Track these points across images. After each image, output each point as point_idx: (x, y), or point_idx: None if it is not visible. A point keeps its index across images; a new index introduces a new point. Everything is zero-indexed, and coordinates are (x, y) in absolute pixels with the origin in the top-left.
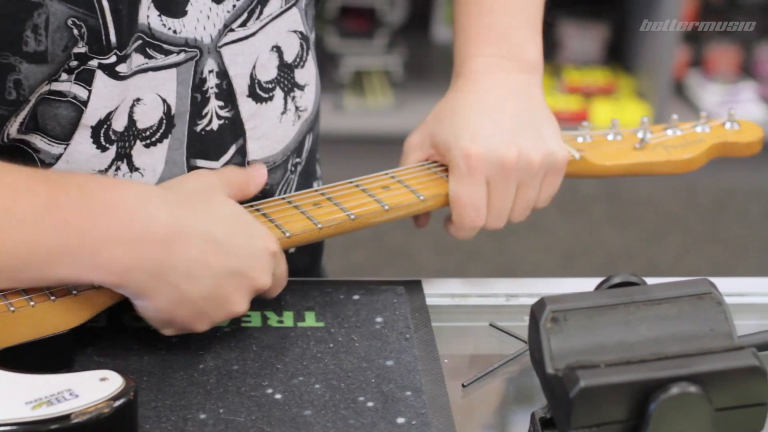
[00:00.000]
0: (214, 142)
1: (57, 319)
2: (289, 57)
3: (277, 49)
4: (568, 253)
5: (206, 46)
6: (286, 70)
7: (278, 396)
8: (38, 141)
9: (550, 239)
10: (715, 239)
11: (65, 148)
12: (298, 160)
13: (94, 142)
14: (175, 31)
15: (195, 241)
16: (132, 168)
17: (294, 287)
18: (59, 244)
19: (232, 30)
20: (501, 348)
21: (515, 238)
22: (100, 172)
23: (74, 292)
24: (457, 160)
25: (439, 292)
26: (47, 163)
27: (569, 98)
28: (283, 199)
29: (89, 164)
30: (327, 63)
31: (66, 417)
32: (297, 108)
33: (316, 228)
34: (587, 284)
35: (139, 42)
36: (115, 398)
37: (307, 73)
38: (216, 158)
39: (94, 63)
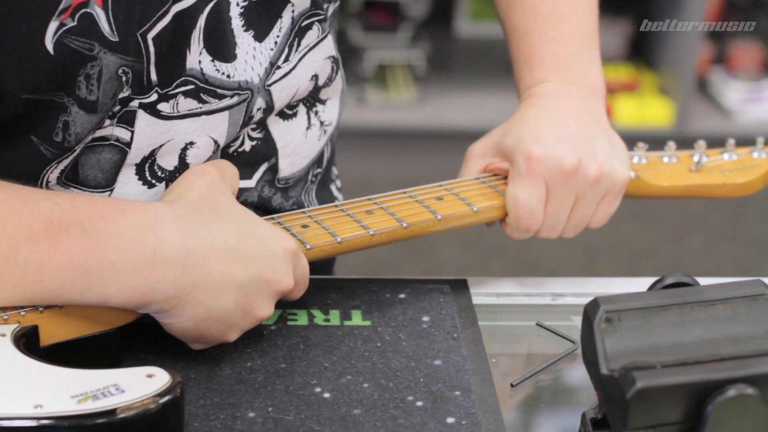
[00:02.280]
0: (245, 162)
1: (106, 316)
2: (321, 81)
3: (315, 77)
4: (590, 249)
5: (256, 87)
6: (315, 91)
7: (327, 395)
8: None
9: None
10: (737, 237)
11: (109, 194)
12: (319, 170)
13: (139, 179)
14: (228, 76)
15: (211, 255)
16: None
17: (339, 285)
18: (66, 284)
19: (279, 67)
20: (548, 347)
21: None
22: None
23: None
24: (518, 161)
25: (484, 291)
26: None
27: None
28: (335, 206)
29: None
30: (350, 56)
31: (112, 412)
32: (322, 123)
33: (368, 235)
34: (636, 284)
35: (191, 87)
36: (161, 394)
37: (332, 90)
38: (249, 177)
39: (135, 103)
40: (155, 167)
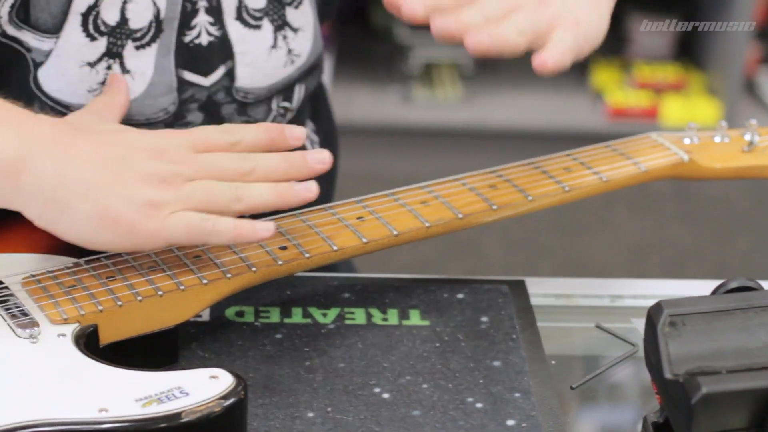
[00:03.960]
0: (202, 57)
1: (164, 314)
2: None
3: None
4: (637, 250)
5: None
6: (276, 4)
7: (386, 395)
8: (30, 39)
9: (619, 236)
10: None
11: (56, 42)
12: (286, 104)
13: (83, 31)
14: None
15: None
16: (123, 70)
17: (397, 285)
18: None
19: None
20: (607, 349)
21: (584, 235)
22: (89, 64)
23: (182, 287)
24: None
25: (542, 292)
26: (38, 62)
27: (639, 94)
28: (387, 195)
29: (79, 54)
30: (397, 54)
31: (176, 416)
32: (290, 51)
33: (424, 227)
34: (698, 287)
35: None
36: (225, 397)
37: (303, 18)
38: (204, 74)
39: None
40: (98, 20)
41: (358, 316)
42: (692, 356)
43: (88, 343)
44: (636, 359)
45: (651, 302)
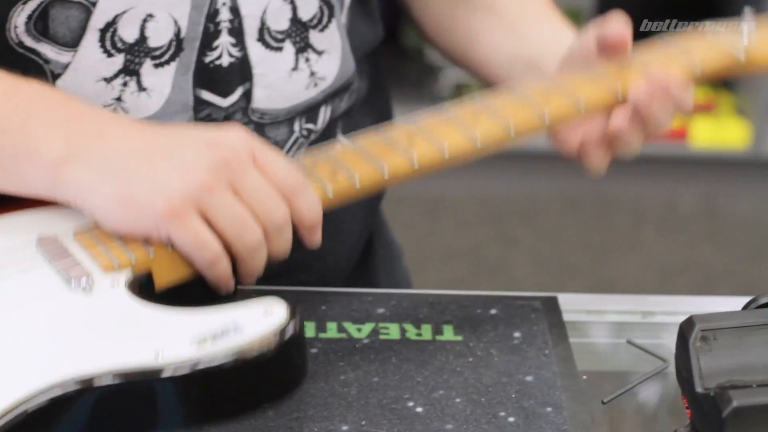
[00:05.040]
0: (222, 78)
1: None
2: (304, 15)
3: (291, 2)
4: (666, 270)
5: None
6: (299, 26)
7: (419, 409)
8: (48, 51)
9: (648, 256)
10: None
11: (73, 56)
12: (310, 126)
13: (101, 47)
14: None
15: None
16: (140, 87)
17: (431, 300)
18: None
19: None
20: (638, 365)
21: (613, 255)
22: (106, 80)
23: None
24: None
25: (574, 308)
26: (56, 73)
27: None
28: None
29: (95, 70)
30: (427, 75)
31: (232, 353)
32: (313, 73)
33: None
34: (730, 303)
35: None
36: (280, 331)
37: (328, 41)
38: (223, 95)
39: None
40: (116, 37)
41: (392, 331)
42: (723, 370)
43: (144, 288)
44: (667, 375)
45: (682, 318)
